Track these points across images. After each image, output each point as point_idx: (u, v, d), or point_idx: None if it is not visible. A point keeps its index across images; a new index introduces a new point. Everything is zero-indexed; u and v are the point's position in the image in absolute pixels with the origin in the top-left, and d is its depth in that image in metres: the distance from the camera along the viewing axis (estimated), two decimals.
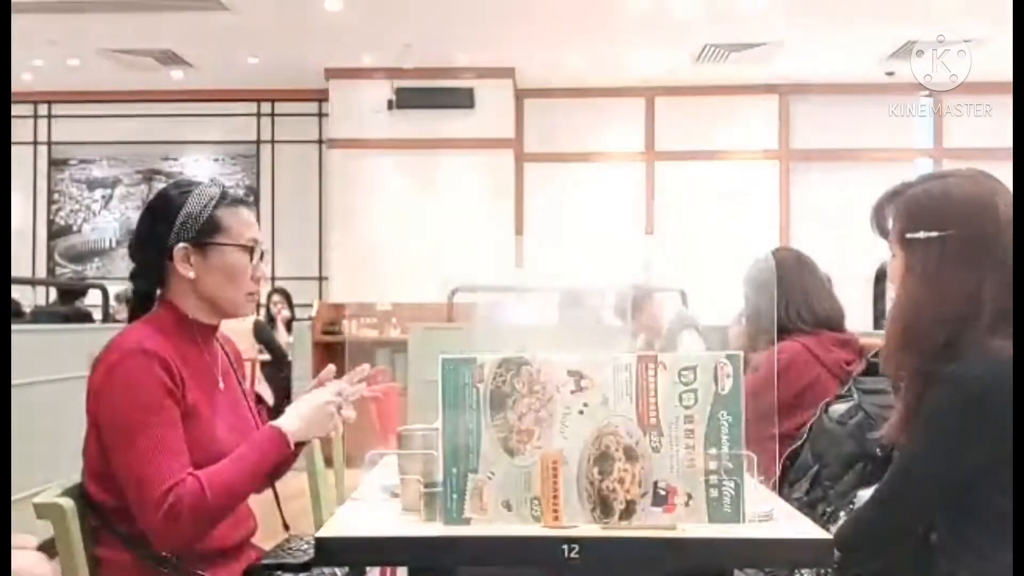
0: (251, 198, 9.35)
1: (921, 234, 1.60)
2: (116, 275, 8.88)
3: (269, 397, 6.82)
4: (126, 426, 1.60)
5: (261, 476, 1.69)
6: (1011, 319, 1.50)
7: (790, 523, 1.47)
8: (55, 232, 9.57)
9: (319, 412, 1.73)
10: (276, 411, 1.85)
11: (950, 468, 1.50)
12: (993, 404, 1.45)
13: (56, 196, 9.57)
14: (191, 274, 1.74)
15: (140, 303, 1.81)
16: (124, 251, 9.45)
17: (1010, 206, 1.58)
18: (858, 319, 3.15)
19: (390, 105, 8.58)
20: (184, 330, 1.76)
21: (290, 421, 1.71)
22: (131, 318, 1.80)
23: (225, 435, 1.72)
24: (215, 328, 1.84)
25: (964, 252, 1.56)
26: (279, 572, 1.80)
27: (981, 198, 1.59)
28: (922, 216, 1.61)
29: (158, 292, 1.80)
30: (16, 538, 1.54)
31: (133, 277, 1.83)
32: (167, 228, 1.74)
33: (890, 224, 1.68)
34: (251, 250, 1.78)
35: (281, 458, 1.71)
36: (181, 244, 1.73)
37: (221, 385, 1.80)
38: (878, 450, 1.83)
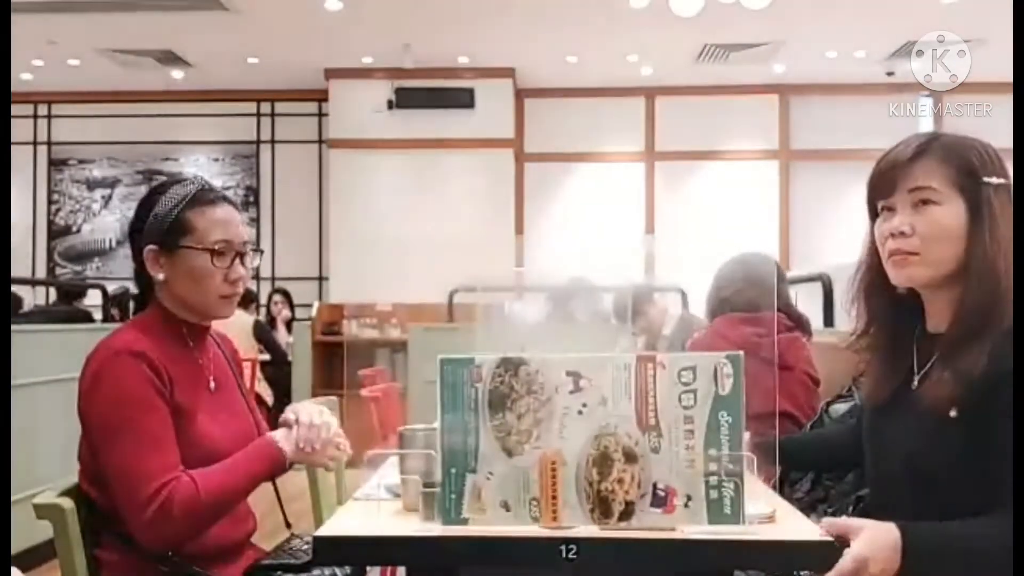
0: (251, 197, 9.36)
1: (995, 180, 1.52)
2: (116, 275, 8.87)
3: (269, 397, 6.82)
4: (113, 425, 1.59)
5: (254, 485, 1.70)
6: None
7: (791, 524, 1.47)
8: (55, 232, 9.57)
9: (324, 445, 1.74)
10: (276, 410, 1.84)
11: None
12: None
13: (56, 196, 9.56)
14: (161, 276, 1.73)
15: (139, 303, 1.82)
16: (124, 251, 9.46)
17: None
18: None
19: (390, 105, 8.57)
20: (172, 330, 1.75)
21: (292, 446, 1.72)
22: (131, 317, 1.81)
23: (220, 434, 1.72)
24: (206, 328, 1.84)
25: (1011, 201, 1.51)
26: (279, 572, 1.80)
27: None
28: (990, 163, 1.55)
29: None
30: None
31: (135, 277, 1.84)
32: (139, 230, 1.75)
33: (929, 170, 1.57)
34: (220, 252, 1.72)
35: (275, 474, 1.72)
36: (149, 246, 1.73)
37: (212, 385, 1.79)
38: None
